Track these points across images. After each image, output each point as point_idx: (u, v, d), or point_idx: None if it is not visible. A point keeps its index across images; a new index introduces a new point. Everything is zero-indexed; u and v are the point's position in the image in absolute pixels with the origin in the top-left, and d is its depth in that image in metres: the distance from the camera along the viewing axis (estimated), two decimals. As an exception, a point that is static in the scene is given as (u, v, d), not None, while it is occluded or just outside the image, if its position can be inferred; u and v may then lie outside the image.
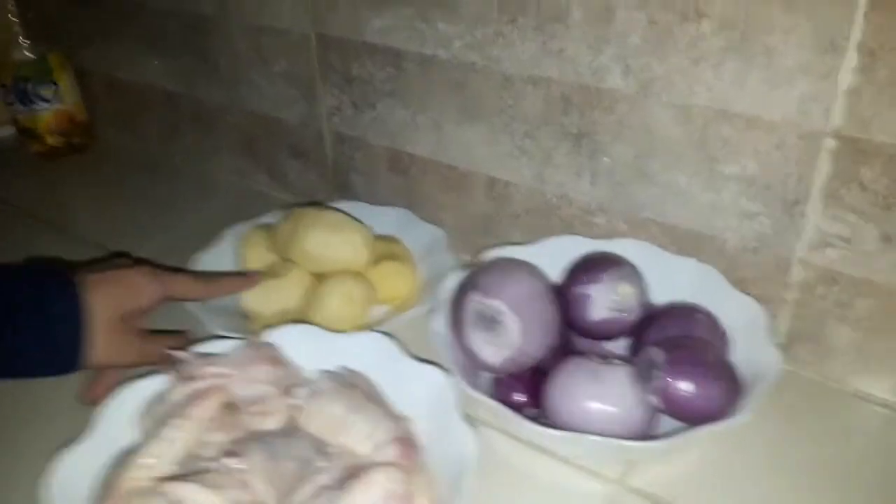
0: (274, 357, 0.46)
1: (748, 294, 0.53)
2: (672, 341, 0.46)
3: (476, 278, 0.49)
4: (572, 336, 0.53)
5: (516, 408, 0.46)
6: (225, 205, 0.82)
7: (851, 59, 0.45)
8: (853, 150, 0.47)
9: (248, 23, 0.75)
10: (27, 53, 0.88)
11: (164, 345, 0.49)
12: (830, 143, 0.48)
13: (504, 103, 0.61)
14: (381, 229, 0.67)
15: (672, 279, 0.55)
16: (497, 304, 0.47)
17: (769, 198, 0.52)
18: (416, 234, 0.67)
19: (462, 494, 0.38)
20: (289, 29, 0.72)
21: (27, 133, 0.92)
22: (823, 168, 0.49)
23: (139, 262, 0.55)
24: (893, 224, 0.47)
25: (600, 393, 0.45)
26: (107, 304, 0.47)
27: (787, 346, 0.55)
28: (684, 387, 0.43)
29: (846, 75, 0.45)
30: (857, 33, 0.44)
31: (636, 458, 0.47)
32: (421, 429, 0.44)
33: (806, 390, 0.54)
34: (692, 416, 0.44)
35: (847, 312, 0.52)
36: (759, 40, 0.48)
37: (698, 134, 0.53)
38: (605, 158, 0.58)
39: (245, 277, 0.60)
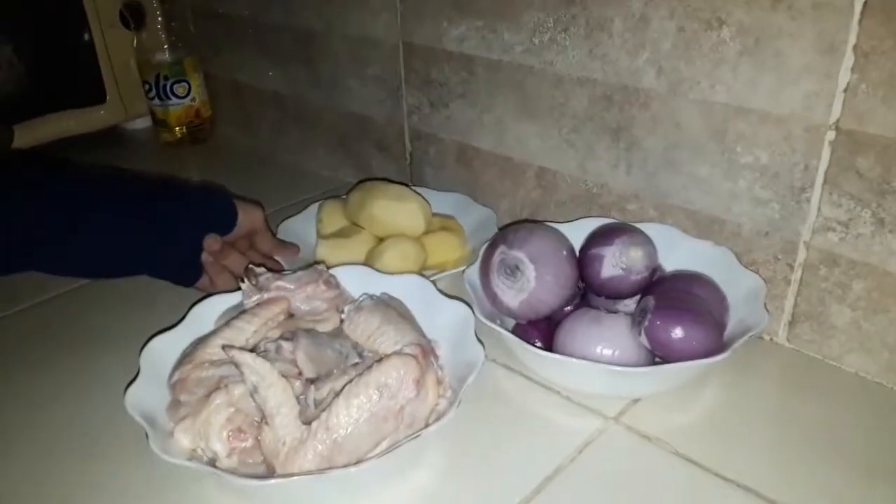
0: (329, 281, 0.56)
1: (755, 271, 0.59)
2: (666, 292, 0.52)
3: (505, 235, 0.57)
4: (591, 297, 0.60)
5: (530, 348, 0.54)
6: (316, 194, 0.94)
7: (849, 59, 0.51)
8: (850, 142, 0.52)
9: (348, 33, 0.87)
10: (167, 57, 1.04)
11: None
12: (831, 135, 0.53)
13: (555, 101, 0.70)
14: (441, 210, 0.76)
15: (691, 258, 0.61)
16: (518, 255, 0.55)
17: (779, 186, 0.57)
18: (471, 214, 0.76)
19: (467, 390, 0.46)
20: (382, 39, 0.83)
21: (160, 124, 1.08)
22: (825, 158, 0.54)
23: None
24: (886, 209, 0.52)
25: (600, 335, 0.51)
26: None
27: (791, 326, 0.60)
28: (669, 328, 0.49)
29: (844, 74, 0.51)
30: (852, 37, 0.50)
31: (628, 391, 0.53)
32: (442, 351, 0.53)
33: (806, 367, 0.59)
34: (677, 356, 0.50)
35: (846, 293, 0.56)
36: (771, 45, 0.54)
37: (719, 128, 0.59)
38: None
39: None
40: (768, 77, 0.55)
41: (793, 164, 0.56)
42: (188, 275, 0.65)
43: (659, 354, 0.51)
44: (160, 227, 0.62)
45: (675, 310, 0.50)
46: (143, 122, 1.14)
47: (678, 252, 0.62)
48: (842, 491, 0.48)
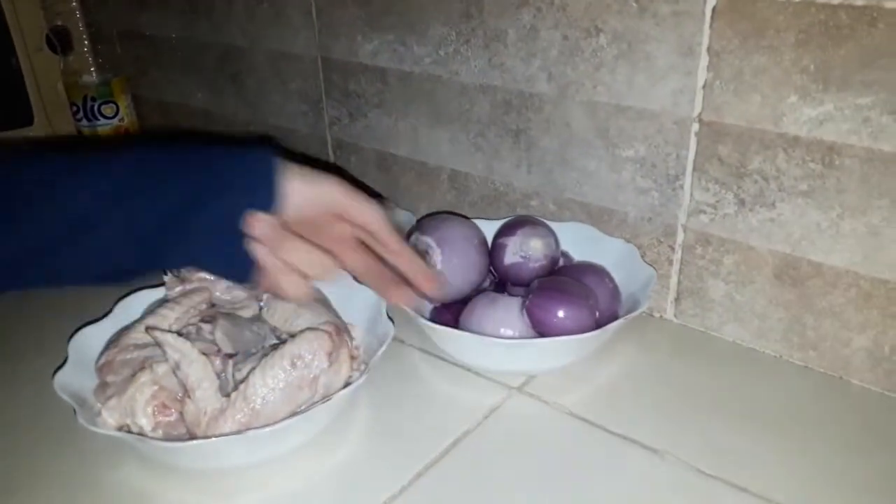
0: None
1: (643, 254, 0.66)
2: (553, 279, 0.58)
3: (420, 222, 0.62)
4: (508, 284, 0.65)
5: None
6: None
7: (704, 59, 0.58)
8: (712, 132, 0.60)
9: (270, 50, 0.92)
10: (95, 79, 1.07)
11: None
12: (696, 126, 0.60)
13: (462, 108, 0.76)
14: (362, 213, 0.81)
15: (605, 253, 0.67)
16: (427, 240, 0.60)
17: (656, 175, 0.64)
18: (393, 218, 0.81)
19: (377, 362, 0.51)
20: (301, 54, 0.88)
21: (89, 144, 1.10)
22: (692, 147, 0.61)
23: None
24: (745, 190, 0.59)
25: (493, 315, 0.57)
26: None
27: (677, 303, 0.67)
28: (545, 308, 0.55)
29: (702, 72, 0.59)
30: (706, 40, 0.57)
31: (520, 365, 0.58)
32: (358, 333, 0.57)
33: (691, 339, 0.65)
34: (552, 332, 0.55)
35: (719, 268, 0.63)
36: (641, 48, 0.61)
37: (602, 126, 0.66)
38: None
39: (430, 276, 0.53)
40: (641, 77, 0.62)
41: (666, 154, 0.63)
42: (234, 266, 0.47)
43: (538, 331, 0.56)
44: (188, 205, 0.44)
45: (554, 291, 0.55)
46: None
47: (594, 247, 0.68)
48: (717, 437, 0.54)
